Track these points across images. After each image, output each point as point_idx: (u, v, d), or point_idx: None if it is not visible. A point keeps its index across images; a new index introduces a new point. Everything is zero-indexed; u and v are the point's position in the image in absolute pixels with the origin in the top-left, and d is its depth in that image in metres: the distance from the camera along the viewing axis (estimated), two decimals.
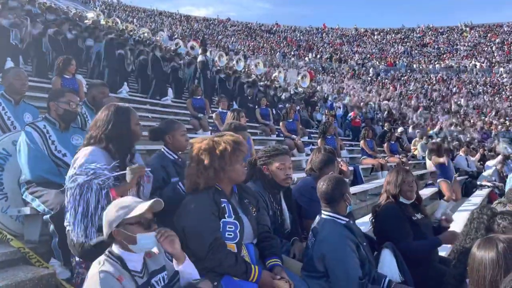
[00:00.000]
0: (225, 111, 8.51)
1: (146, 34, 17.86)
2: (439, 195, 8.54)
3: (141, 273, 2.03)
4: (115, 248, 2.02)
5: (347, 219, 2.90)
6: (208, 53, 14.03)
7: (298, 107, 13.91)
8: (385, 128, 14.96)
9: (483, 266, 1.79)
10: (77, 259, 2.67)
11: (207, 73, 12.92)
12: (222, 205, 2.58)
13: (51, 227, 2.91)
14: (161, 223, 2.79)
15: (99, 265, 1.93)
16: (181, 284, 2.19)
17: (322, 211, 2.92)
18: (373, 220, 3.53)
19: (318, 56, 41.85)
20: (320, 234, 2.78)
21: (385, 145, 11.27)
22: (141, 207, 2.02)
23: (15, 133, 3.57)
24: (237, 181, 2.73)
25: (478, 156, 14.52)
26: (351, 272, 2.63)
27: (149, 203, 2.05)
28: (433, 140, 8.70)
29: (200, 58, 13.08)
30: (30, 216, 3.19)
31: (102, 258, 1.97)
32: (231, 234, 2.55)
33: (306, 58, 40.60)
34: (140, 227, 2.00)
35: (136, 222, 2.00)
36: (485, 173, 12.00)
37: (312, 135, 12.68)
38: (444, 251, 4.04)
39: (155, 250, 2.15)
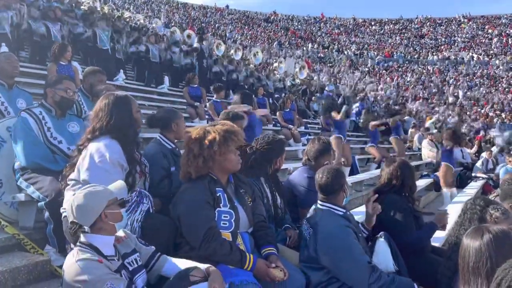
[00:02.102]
0: (219, 100, 8.45)
1: (142, 21, 17.70)
2: (434, 186, 8.59)
3: (116, 256, 2.08)
4: (84, 238, 2.03)
5: (344, 210, 2.91)
6: (204, 42, 13.92)
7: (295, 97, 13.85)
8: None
9: (467, 254, 1.90)
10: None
11: (202, 61, 12.82)
12: (217, 194, 2.58)
13: (46, 214, 2.91)
14: (160, 212, 2.81)
15: (73, 257, 1.94)
16: (166, 270, 2.26)
17: (319, 202, 2.91)
18: None
19: (316, 46, 41.67)
20: (320, 226, 2.77)
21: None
22: (114, 188, 2.16)
23: (9, 119, 3.54)
24: (231, 170, 2.71)
25: (475, 148, 14.59)
26: (361, 258, 2.65)
27: (116, 184, 2.20)
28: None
29: (195, 45, 13.00)
30: (25, 203, 3.19)
31: (74, 250, 1.99)
32: (226, 223, 2.55)
33: (304, 48, 40.39)
34: (117, 205, 2.12)
35: (117, 200, 2.13)
36: (478, 164, 12.07)
37: (308, 125, 12.68)
38: (437, 242, 4.08)
39: (121, 233, 2.19)
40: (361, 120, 10.76)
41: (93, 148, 2.55)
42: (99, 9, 13.52)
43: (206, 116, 8.72)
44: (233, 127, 2.69)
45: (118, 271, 2.01)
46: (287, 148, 8.29)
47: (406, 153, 11.93)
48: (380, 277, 2.59)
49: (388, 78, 32.87)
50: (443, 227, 3.56)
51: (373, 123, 9.86)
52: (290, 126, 9.61)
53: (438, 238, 4.00)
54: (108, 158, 2.51)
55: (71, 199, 2.06)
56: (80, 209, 2.01)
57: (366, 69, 36.08)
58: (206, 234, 2.42)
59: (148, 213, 2.63)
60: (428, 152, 11.88)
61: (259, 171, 3.23)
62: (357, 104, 15.42)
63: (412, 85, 31.14)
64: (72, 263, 1.92)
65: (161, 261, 2.28)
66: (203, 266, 2.20)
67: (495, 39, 38.69)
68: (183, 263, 2.25)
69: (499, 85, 31.31)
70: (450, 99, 27.43)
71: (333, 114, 7.98)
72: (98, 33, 9.96)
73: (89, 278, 1.85)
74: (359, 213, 4.36)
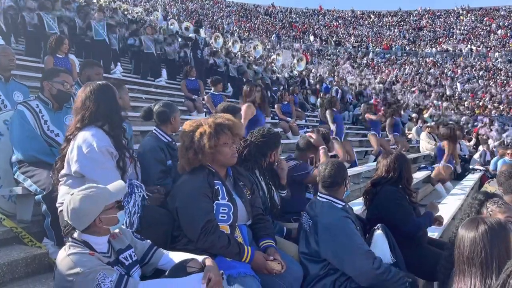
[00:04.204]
0: (217, 93, 8.43)
1: (140, 14, 17.61)
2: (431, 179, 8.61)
3: (108, 253, 2.08)
4: (78, 236, 2.03)
5: (344, 203, 2.93)
6: (202, 33, 13.84)
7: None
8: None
9: (462, 244, 1.96)
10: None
11: (197, 52, 12.76)
12: (216, 187, 2.57)
13: (44, 207, 2.90)
14: (160, 207, 2.81)
15: (65, 251, 1.96)
16: (162, 263, 2.26)
17: (319, 194, 2.94)
18: (368, 202, 3.53)
19: (314, 38, 41.50)
20: (320, 218, 2.79)
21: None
22: (113, 190, 2.10)
23: (6, 112, 3.53)
24: (225, 164, 2.69)
25: (473, 141, 14.62)
26: (362, 247, 2.69)
27: (115, 184, 2.14)
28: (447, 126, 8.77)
29: (190, 35, 12.93)
30: (22, 196, 3.18)
31: (66, 245, 2.00)
32: (224, 216, 2.55)
33: (302, 41, 40.20)
34: (115, 208, 2.08)
35: (115, 204, 2.10)
36: (476, 156, 12.10)
37: (307, 118, 12.66)
38: (435, 232, 4.11)
39: (115, 230, 2.18)
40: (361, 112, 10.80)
41: (80, 139, 2.53)
42: (95, 1, 13.45)
43: (204, 109, 8.70)
44: (227, 121, 2.66)
45: (110, 265, 2.01)
46: (285, 141, 8.32)
47: None
48: (381, 264, 2.64)
49: (386, 71, 32.80)
50: (439, 224, 3.62)
51: (368, 115, 9.88)
52: (288, 119, 9.60)
53: (435, 229, 4.03)
54: (96, 147, 2.48)
55: (68, 199, 2.03)
56: (75, 212, 1.99)
57: (365, 61, 35.98)
58: (204, 227, 2.42)
59: (146, 206, 2.62)
60: (426, 145, 11.89)
61: (254, 164, 3.22)
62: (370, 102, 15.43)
63: (411, 78, 31.07)
64: (63, 257, 1.93)
65: (158, 254, 2.29)
66: (200, 257, 2.21)
67: (499, 32, 38.51)
68: (179, 256, 2.26)
69: (498, 77, 31.28)
70: (448, 92, 27.41)
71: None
72: (93, 24, 9.88)
73: (81, 270, 1.86)
74: (356, 205, 4.38)
